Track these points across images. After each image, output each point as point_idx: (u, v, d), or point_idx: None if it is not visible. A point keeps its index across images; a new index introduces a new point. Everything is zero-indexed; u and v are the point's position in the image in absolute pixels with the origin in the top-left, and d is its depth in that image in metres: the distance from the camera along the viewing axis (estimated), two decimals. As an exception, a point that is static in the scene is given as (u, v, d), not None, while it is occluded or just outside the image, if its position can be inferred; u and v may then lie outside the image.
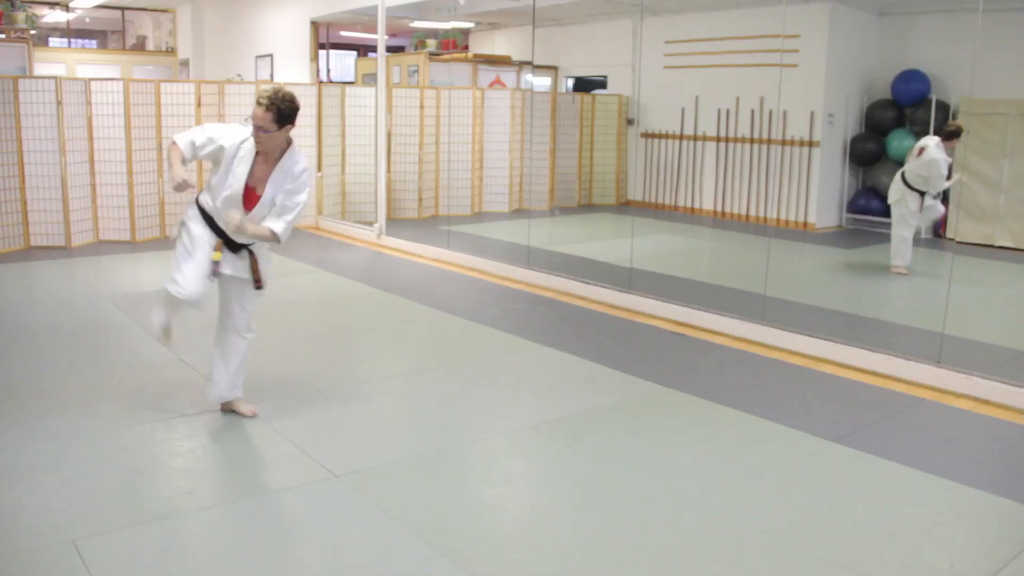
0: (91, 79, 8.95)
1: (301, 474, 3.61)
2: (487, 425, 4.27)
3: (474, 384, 4.90)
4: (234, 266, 4.05)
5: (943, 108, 9.66)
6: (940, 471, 3.79)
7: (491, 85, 12.33)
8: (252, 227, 3.84)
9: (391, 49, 13.15)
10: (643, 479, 3.66)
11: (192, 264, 3.91)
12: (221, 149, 3.90)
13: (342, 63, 17.06)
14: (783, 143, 10.81)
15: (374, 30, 9.79)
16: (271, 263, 4.27)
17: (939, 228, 9.62)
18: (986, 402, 4.72)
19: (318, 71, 12.37)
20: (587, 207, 12.43)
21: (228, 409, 4.31)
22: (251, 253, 4.08)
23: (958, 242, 9.14)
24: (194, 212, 4.03)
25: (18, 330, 5.73)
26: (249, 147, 3.90)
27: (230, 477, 3.63)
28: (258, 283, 4.11)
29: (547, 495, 3.59)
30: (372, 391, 4.77)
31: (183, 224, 4.04)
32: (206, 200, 4.00)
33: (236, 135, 3.92)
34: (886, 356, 5.19)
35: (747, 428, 4.29)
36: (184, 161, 3.89)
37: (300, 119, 10.64)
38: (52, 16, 15.75)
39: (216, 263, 3.95)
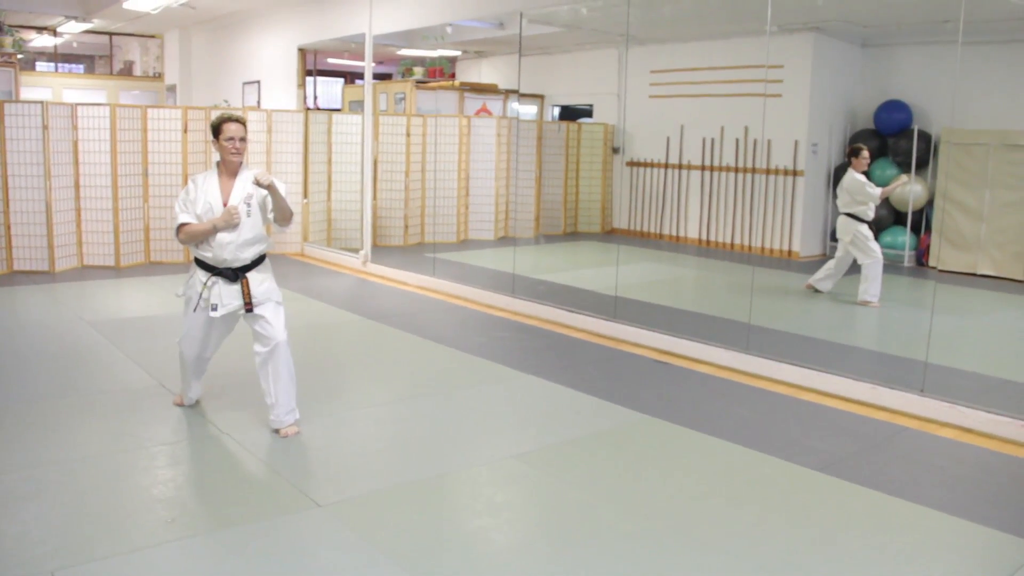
0: (78, 104, 8.96)
1: (284, 504, 3.59)
2: (471, 454, 4.25)
3: (458, 413, 4.89)
4: (234, 298, 4.33)
5: (925, 138, 9.77)
6: (924, 500, 3.80)
7: (477, 113, 12.38)
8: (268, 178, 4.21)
9: (378, 76, 13.20)
10: (627, 509, 3.65)
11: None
12: (195, 195, 4.32)
13: (329, 90, 17.12)
14: (767, 172, 10.89)
15: (361, 57, 9.84)
16: (267, 283, 4.42)
17: (922, 257, 9.70)
18: (970, 431, 4.73)
19: (305, 98, 12.39)
20: (572, 235, 12.47)
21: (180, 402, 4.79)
22: (244, 279, 4.34)
23: (940, 270, 9.21)
24: (194, 270, 4.43)
25: (0, 355, 5.70)
26: (204, 176, 4.38)
27: (212, 506, 3.59)
28: (248, 307, 4.32)
29: (531, 525, 3.57)
30: (356, 419, 4.75)
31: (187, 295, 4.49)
32: (194, 247, 4.38)
33: (193, 182, 4.37)
34: (870, 385, 5.21)
35: (731, 457, 4.29)
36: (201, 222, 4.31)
37: (287, 146, 10.62)
38: (39, 40, 15.76)
39: (200, 295, 4.34)
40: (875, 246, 7.86)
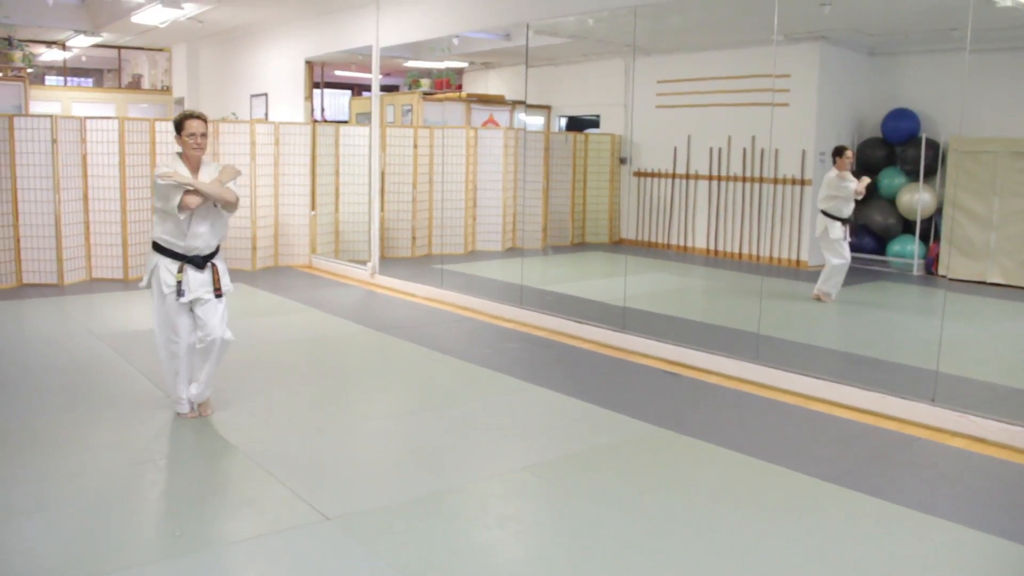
0: (86, 117, 9.00)
1: (292, 517, 3.57)
2: (480, 467, 4.24)
3: (467, 425, 4.87)
4: (201, 284, 4.60)
5: (933, 146, 9.73)
6: (936, 511, 3.76)
7: (484, 124, 12.39)
8: (217, 188, 4.53)
9: (385, 88, 13.23)
10: (638, 521, 3.62)
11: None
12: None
13: (336, 102, 17.15)
14: (775, 182, 10.86)
15: (368, 70, 9.85)
16: (226, 274, 4.80)
17: (931, 265, 9.65)
18: (982, 441, 4.69)
19: (312, 110, 12.42)
20: (580, 246, 12.44)
21: (195, 413, 4.83)
22: (214, 267, 4.68)
23: (950, 279, 9.16)
24: (156, 258, 4.63)
25: (8, 368, 5.69)
26: (169, 160, 4.61)
27: (220, 519, 3.58)
28: (219, 292, 4.66)
29: (541, 539, 3.54)
30: (364, 432, 4.74)
31: (155, 275, 4.65)
32: (160, 235, 4.60)
33: (166, 165, 4.53)
34: (880, 395, 5.17)
35: (742, 469, 4.26)
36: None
37: (294, 158, 10.65)
38: (49, 55, 15.83)
39: (179, 283, 4.56)
40: (844, 248, 8.07)
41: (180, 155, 4.64)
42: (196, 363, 4.73)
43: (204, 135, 4.61)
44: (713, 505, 3.80)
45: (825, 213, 8.18)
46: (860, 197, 8.20)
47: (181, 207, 4.45)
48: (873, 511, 3.77)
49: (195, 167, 4.62)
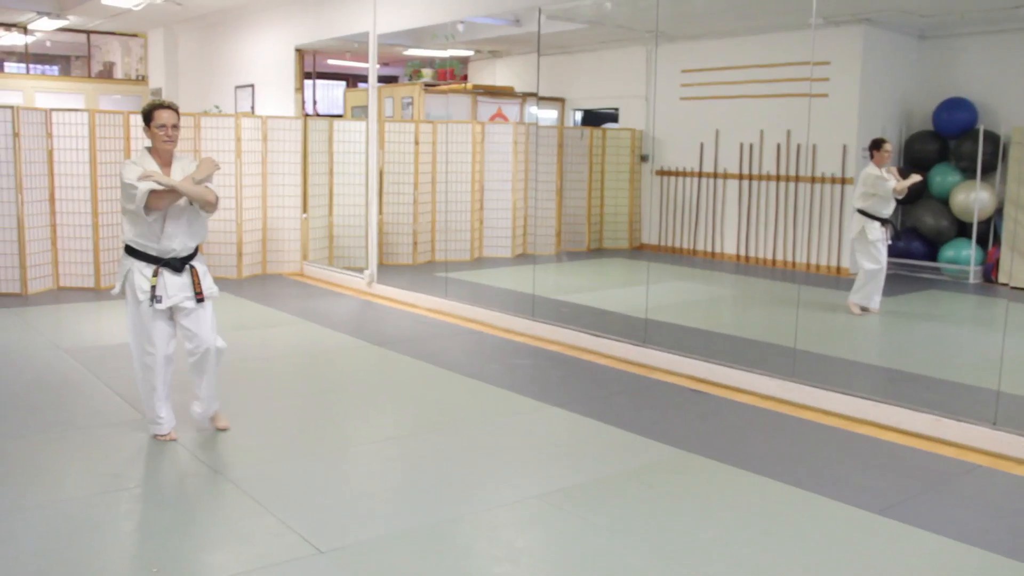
0: (52, 109, 9.04)
1: (282, 550, 3.56)
2: (488, 495, 4.23)
3: (474, 449, 4.86)
4: (180, 289, 4.62)
5: (992, 140, 9.66)
6: (997, 547, 3.73)
7: (492, 119, 12.41)
8: (191, 185, 4.52)
9: (383, 79, 13.26)
10: (662, 555, 3.60)
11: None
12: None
13: (330, 94, 17.20)
14: (813, 180, 10.83)
15: (364, 59, 9.88)
16: (208, 276, 4.83)
17: (990, 272, 9.61)
18: (1047, 468, 4.67)
19: (303, 103, 12.46)
20: (597, 252, 12.44)
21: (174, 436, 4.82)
22: (192, 269, 4.69)
23: (1012, 287, 9.10)
24: (129, 262, 4.64)
25: (-33, 388, 5.71)
26: (138, 156, 4.64)
27: (203, 554, 3.57)
28: (200, 296, 4.67)
29: (555, 573, 3.52)
30: (361, 456, 4.74)
31: (128, 282, 4.66)
32: (133, 237, 4.60)
33: (133, 162, 4.56)
34: (933, 416, 5.14)
35: (777, 498, 4.24)
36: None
37: (284, 155, 10.68)
38: (8, 39, 15.84)
39: (154, 288, 4.56)
40: (881, 251, 8.07)
41: (149, 149, 4.65)
42: (193, 379, 4.82)
43: (176, 126, 4.63)
44: (746, 539, 3.78)
45: (862, 212, 8.20)
46: (901, 196, 8.20)
47: (148, 208, 4.43)
48: (926, 547, 3.75)
49: (166, 162, 4.65)
